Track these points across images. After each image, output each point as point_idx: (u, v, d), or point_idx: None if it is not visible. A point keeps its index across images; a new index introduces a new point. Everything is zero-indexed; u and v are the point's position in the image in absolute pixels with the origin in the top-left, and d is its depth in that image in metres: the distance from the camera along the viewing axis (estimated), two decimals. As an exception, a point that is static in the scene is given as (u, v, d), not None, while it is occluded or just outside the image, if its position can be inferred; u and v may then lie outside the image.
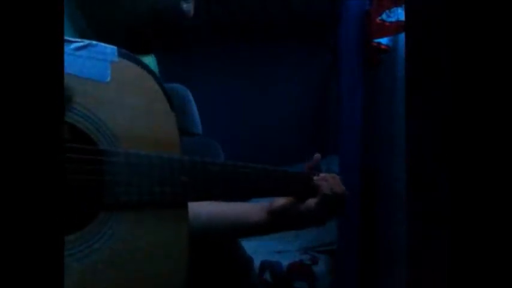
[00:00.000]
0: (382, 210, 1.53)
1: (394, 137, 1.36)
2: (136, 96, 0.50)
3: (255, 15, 2.43)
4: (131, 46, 0.54)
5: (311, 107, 2.67)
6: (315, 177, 0.69)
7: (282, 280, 1.70)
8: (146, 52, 0.66)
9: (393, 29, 1.30)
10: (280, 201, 0.69)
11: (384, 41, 1.35)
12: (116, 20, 0.62)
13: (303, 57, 2.62)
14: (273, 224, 0.70)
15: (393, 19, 1.30)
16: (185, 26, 0.67)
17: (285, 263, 1.74)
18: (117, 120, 0.47)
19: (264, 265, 1.73)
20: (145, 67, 0.51)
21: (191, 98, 1.45)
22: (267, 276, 1.71)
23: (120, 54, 0.49)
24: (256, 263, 1.67)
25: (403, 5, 1.26)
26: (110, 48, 0.49)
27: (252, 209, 0.70)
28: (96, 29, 0.61)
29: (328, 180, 0.69)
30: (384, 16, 1.31)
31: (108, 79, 0.47)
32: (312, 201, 0.68)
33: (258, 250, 1.84)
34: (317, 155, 0.74)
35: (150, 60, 0.70)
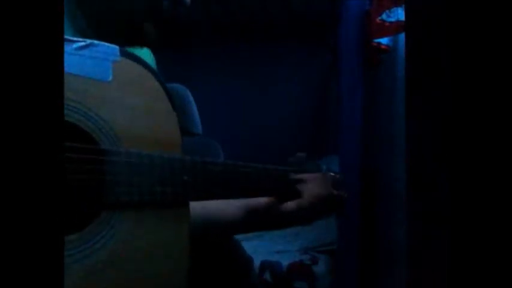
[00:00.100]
0: (382, 210, 1.53)
1: (394, 137, 1.36)
2: (138, 95, 0.50)
3: (255, 15, 2.43)
4: (130, 39, 0.54)
5: (311, 107, 2.67)
6: (298, 176, 0.67)
7: (282, 280, 1.70)
8: (145, 46, 0.66)
9: (393, 29, 1.30)
10: (260, 200, 0.68)
11: (384, 41, 1.35)
12: (115, 12, 0.62)
13: (303, 57, 2.62)
14: (249, 222, 0.69)
15: (393, 19, 1.30)
16: (184, 25, 0.67)
17: (285, 263, 1.74)
18: (119, 120, 0.47)
19: (264, 265, 1.73)
20: (147, 66, 0.51)
21: (191, 98, 1.45)
22: (267, 276, 1.71)
23: (122, 54, 0.49)
24: (256, 263, 1.67)
25: (403, 5, 1.26)
26: (112, 48, 0.49)
27: (228, 206, 0.68)
28: (96, 26, 0.61)
29: (312, 182, 0.66)
30: (383, 16, 1.31)
31: (110, 78, 0.47)
32: (293, 203, 0.66)
33: (258, 250, 1.84)
34: (300, 154, 0.71)
35: (145, 53, 0.70)
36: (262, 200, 0.68)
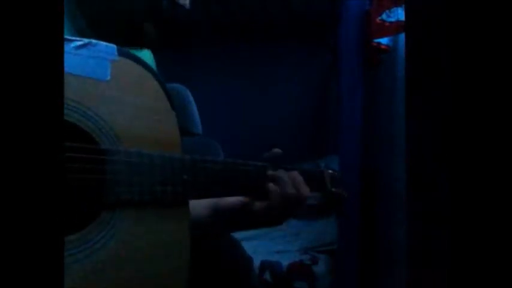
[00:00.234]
0: (382, 210, 1.53)
1: (394, 137, 1.36)
2: (136, 95, 0.50)
3: (255, 15, 2.43)
4: (130, 41, 0.54)
5: (311, 107, 2.67)
6: (269, 174, 0.65)
7: (282, 280, 1.70)
8: (145, 47, 0.66)
9: (393, 29, 1.30)
10: (228, 200, 0.67)
11: (384, 41, 1.35)
12: (115, 13, 0.62)
13: (303, 57, 2.62)
14: (216, 222, 0.68)
15: (393, 19, 1.30)
16: (184, 25, 0.67)
17: (285, 263, 1.74)
18: (118, 119, 0.47)
19: (264, 265, 1.73)
20: (145, 66, 0.51)
21: (191, 98, 1.46)
22: (267, 276, 1.71)
23: (120, 53, 0.49)
24: (256, 263, 1.67)
25: (403, 5, 1.26)
26: (110, 47, 0.49)
27: (196, 205, 0.65)
28: (96, 27, 0.61)
29: (281, 180, 0.64)
30: (384, 16, 1.31)
31: (108, 78, 0.47)
32: (262, 203, 0.64)
33: (258, 250, 1.84)
34: (276, 150, 0.68)
35: (145, 54, 0.70)
36: (231, 200, 0.66)
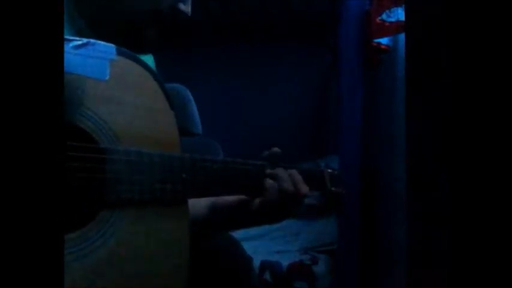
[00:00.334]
0: (382, 210, 1.53)
1: (394, 137, 1.36)
2: (135, 94, 0.50)
3: (255, 15, 2.43)
4: (130, 45, 0.53)
5: (311, 107, 2.67)
6: (268, 172, 0.65)
7: (282, 280, 1.70)
8: (145, 51, 0.66)
9: (393, 29, 1.30)
10: (227, 198, 0.67)
11: (384, 41, 1.35)
12: (115, 19, 0.62)
13: (303, 57, 2.62)
14: (215, 220, 0.68)
15: (393, 19, 1.30)
16: (184, 25, 0.67)
17: (285, 263, 1.74)
18: (117, 119, 0.47)
19: (264, 265, 1.73)
20: (144, 65, 0.51)
21: (191, 98, 1.45)
22: (267, 276, 1.71)
23: (119, 53, 0.49)
24: (256, 263, 1.67)
25: (403, 5, 1.26)
26: (109, 47, 0.49)
27: (194, 203, 0.65)
28: (95, 29, 0.61)
29: (279, 177, 0.64)
30: (384, 16, 1.31)
31: (107, 77, 0.47)
32: (259, 201, 0.64)
33: (258, 250, 1.84)
34: (275, 149, 0.68)
35: (147, 59, 0.70)
36: (230, 198, 0.66)
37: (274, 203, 0.63)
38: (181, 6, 0.65)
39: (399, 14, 1.29)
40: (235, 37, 2.56)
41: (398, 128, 1.31)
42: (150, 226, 0.48)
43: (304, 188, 0.64)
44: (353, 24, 1.42)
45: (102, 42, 0.48)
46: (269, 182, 0.63)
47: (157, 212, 0.49)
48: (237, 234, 0.80)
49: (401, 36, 1.32)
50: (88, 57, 0.47)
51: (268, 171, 0.65)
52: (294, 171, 0.66)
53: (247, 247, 0.82)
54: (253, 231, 1.94)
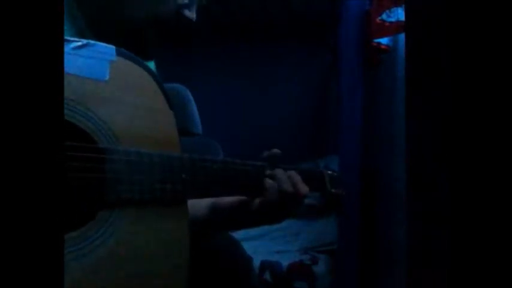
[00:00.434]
0: (382, 210, 1.53)
1: (394, 137, 1.36)
2: (135, 95, 0.50)
3: (255, 15, 2.43)
4: (132, 52, 0.54)
5: (311, 107, 2.67)
6: (268, 173, 0.65)
7: (282, 280, 1.70)
8: (146, 57, 0.66)
9: (393, 29, 1.30)
10: (227, 198, 0.67)
11: (384, 41, 1.35)
12: (116, 26, 0.62)
13: (303, 57, 2.62)
14: (215, 221, 0.68)
15: (393, 19, 1.30)
16: (186, 29, 0.67)
17: (285, 263, 1.74)
18: (117, 119, 0.47)
19: (264, 265, 1.73)
20: (143, 66, 0.52)
21: (191, 98, 1.46)
22: (267, 276, 1.71)
23: (119, 53, 0.49)
24: (256, 263, 1.67)
25: (403, 5, 1.26)
26: (109, 48, 0.49)
27: (194, 203, 0.65)
28: (96, 34, 0.61)
29: (279, 178, 0.64)
30: (384, 16, 1.31)
31: (107, 78, 0.48)
32: (259, 201, 0.64)
33: (258, 250, 1.84)
34: (275, 150, 0.68)
35: (150, 65, 0.70)
36: (230, 199, 0.66)
37: (274, 203, 0.63)
38: (187, 13, 0.65)
39: (399, 14, 1.29)
40: (235, 37, 2.56)
41: (398, 128, 1.31)
42: (149, 226, 0.48)
43: (303, 189, 0.64)
44: (353, 24, 1.42)
45: (102, 43, 0.48)
46: (269, 182, 0.63)
47: (157, 212, 0.49)
48: (237, 234, 0.81)
49: (401, 36, 1.32)
50: (88, 58, 0.47)
51: (268, 172, 0.65)
52: (292, 172, 0.66)
53: (247, 247, 0.82)
54: (253, 231, 1.94)
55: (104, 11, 0.61)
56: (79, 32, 0.60)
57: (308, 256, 1.83)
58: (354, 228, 1.44)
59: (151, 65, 0.72)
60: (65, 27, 0.58)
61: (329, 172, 0.78)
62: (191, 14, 0.66)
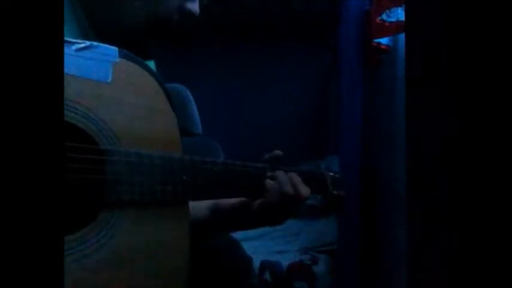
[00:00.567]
0: (382, 210, 1.52)
1: (394, 137, 1.36)
2: (137, 96, 0.50)
3: (255, 15, 2.43)
4: (132, 50, 0.53)
5: (311, 107, 2.67)
6: (269, 175, 0.65)
7: (282, 280, 1.70)
8: (146, 57, 0.66)
9: (393, 29, 1.30)
10: (227, 200, 0.67)
11: (384, 41, 1.35)
12: (117, 25, 0.62)
13: (303, 57, 2.62)
14: (215, 222, 0.68)
15: (393, 19, 1.30)
16: (187, 27, 0.67)
17: (285, 263, 1.74)
18: (118, 121, 0.47)
19: (264, 265, 1.73)
20: (145, 67, 0.52)
21: (191, 98, 1.45)
22: (267, 276, 1.71)
23: (121, 55, 0.49)
24: (256, 263, 1.67)
25: (403, 5, 1.26)
26: (111, 49, 0.49)
27: (195, 205, 0.64)
28: (99, 34, 0.61)
29: (280, 179, 0.63)
30: (384, 16, 1.31)
31: (110, 79, 0.48)
32: (260, 203, 0.63)
33: (258, 250, 1.84)
34: (277, 152, 0.68)
35: (149, 64, 0.70)
36: (230, 200, 0.66)
37: (275, 204, 0.63)
38: (189, 5, 0.65)
39: (399, 14, 1.29)
40: (235, 37, 2.56)
41: (398, 128, 1.31)
42: (150, 227, 0.48)
43: (304, 190, 0.64)
44: (353, 24, 1.42)
45: (105, 45, 0.49)
46: (270, 183, 0.63)
47: (157, 213, 0.49)
48: (237, 234, 0.80)
49: (401, 36, 1.32)
50: (90, 59, 0.47)
51: (269, 173, 0.65)
52: (293, 174, 0.66)
53: (247, 247, 0.82)
54: (253, 231, 1.94)
55: (106, 9, 0.61)
56: (83, 33, 0.60)
57: (308, 256, 1.83)
58: (354, 228, 1.44)
59: (151, 64, 0.72)
60: (70, 29, 0.58)
61: (331, 173, 0.78)
62: (194, 6, 0.66)
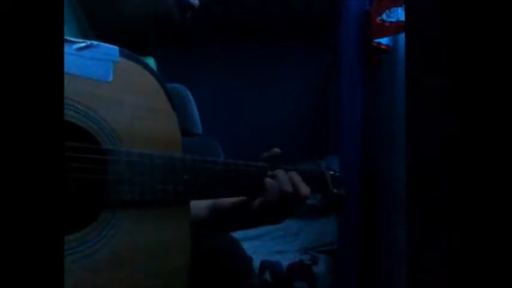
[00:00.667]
0: (382, 210, 1.53)
1: (394, 137, 1.36)
2: (138, 95, 0.50)
3: (255, 15, 2.43)
4: (131, 48, 0.53)
5: (311, 107, 2.67)
6: (269, 173, 0.65)
7: (282, 280, 1.70)
8: (144, 54, 0.66)
9: (393, 29, 1.30)
10: (227, 199, 0.67)
11: (384, 41, 1.36)
12: (116, 17, 0.62)
13: (303, 57, 2.62)
14: (215, 221, 0.68)
15: (393, 19, 1.30)
16: (187, 22, 0.66)
17: (285, 263, 1.74)
18: (119, 120, 0.47)
19: (264, 265, 1.73)
20: (146, 67, 0.52)
21: (191, 98, 1.45)
22: (267, 276, 1.71)
23: (122, 54, 0.49)
24: (256, 263, 1.67)
25: (403, 5, 1.26)
26: (112, 49, 0.49)
27: (194, 204, 0.63)
28: (98, 30, 0.61)
29: (280, 178, 0.63)
30: (384, 16, 1.31)
31: (110, 79, 0.48)
32: (259, 202, 0.63)
33: (258, 250, 1.84)
34: (275, 150, 0.67)
35: (148, 60, 0.70)
36: (230, 199, 0.66)
37: (275, 203, 0.63)
38: None
39: (399, 14, 1.29)
40: (235, 37, 2.56)
41: (398, 128, 1.31)
42: (151, 227, 0.48)
43: (305, 189, 0.64)
44: (353, 24, 1.42)
45: (105, 44, 0.48)
46: (270, 182, 0.63)
47: (158, 213, 0.49)
48: (237, 234, 0.81)
49: (401, 36, 1.32)
50: (91, 59, 0.47)
51: (269, 172, 0.65)
52: (293, 173, 0.66)
53: (247, 247, 0.82)
54: (253, 231, 1.94)
55: (106, 9, 0.61)
56: (83, 33, 0.60)
57: (308, 256, 1.83)
58: (354, 228, 1.45)
59: (150, 60, 0.72)
60: (70, 29, 0.58)
61: (331, 172, 0.78)
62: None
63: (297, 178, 0.65)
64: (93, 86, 0.46)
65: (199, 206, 0.68)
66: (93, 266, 0.43)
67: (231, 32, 2.55)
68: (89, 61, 0.46)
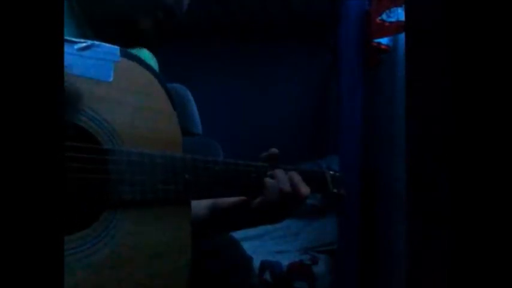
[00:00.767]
0: (382, 210, 1.53)
1: (394, 137, 1.36)
2: (138, 95, 0.50)
3: (255, 15, 2.43)
4: (127, 34, 0.53)
5: (311, 107, 2.67)
6: (268, 173, 0.65)
7: (282, 280, 1.70)
8: (140, 43, 0.65)
9: (393, 29, 1.30)
10: (226, 199, 0.67)
11: (384, 41, 1.36)
12: (113, 9, 0.61)
13: (303, 57, 2.62)
14: (215, 221, 0.68)
15: (393, 19, 1.30)
16: (184, 20, 0.66)
17: (285, 263, 1.74)
18: (120, 120, 0.47)
19: (264, 265, 1.73)
20: (147, 67, 0.52)
21: (191, 97, 1.46)
22: (267, 276, 1.71)
23: (123, 54, 0.49)
24: (256, 263, 1.67)
25: (403, 5, 1.26)
26: (113, 48, 0.49)
27: (194, 204, 0.63)
28: (96, 31, 0.61)
29: (279, 178, 0.63)
30: (384, 16, 1.31)
31: (111, 79, 0.48)
32: (258, 201, 0.63)
33: (258, 250, 1.84)
34: (274, 150, 0.67)
35: (149, 59, 0.70)
36: (230, 199, 0.66)
37: (274, 202, 0.63)
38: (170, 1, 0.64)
39: (399, 14, 1.29)
40: (235, 37, 2.57)
41: (398, 128, 1.31)
42: (151, 227, 0.48)
43: (305, 189, 0.64)
44: (353, 24, 1.42)
45: (106, 44, 0.49)
46: (269, 181, 0.63)
47: (158, 213, 0.49)
48: (237, 234, 0.81)
49: (401, 36, 1.32)
50: (92, 58, 0.47)
51: (269, 172, 0.65)
52: (293, 172, 0.66)
53: (247, 247, 0.82)
54: (253, 231, 1.94)
55: (105, 8, 0.61)
56: (82, 33, 0.60)
57: (308, 256, 1.83)
58: (354, 228, 1.45)
59: (147, 54, 0.71)
60: (68, 29, 0.58)
61: (331, 172, 0.78)
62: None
63: (297, 178, 0.65)
64: (94, 86, 0.46)
65: (199, 205, 0.68)
66: (95, 265, 0.43)
67: (231, 32, 2.56)
68: (89, 61, 0.46)
